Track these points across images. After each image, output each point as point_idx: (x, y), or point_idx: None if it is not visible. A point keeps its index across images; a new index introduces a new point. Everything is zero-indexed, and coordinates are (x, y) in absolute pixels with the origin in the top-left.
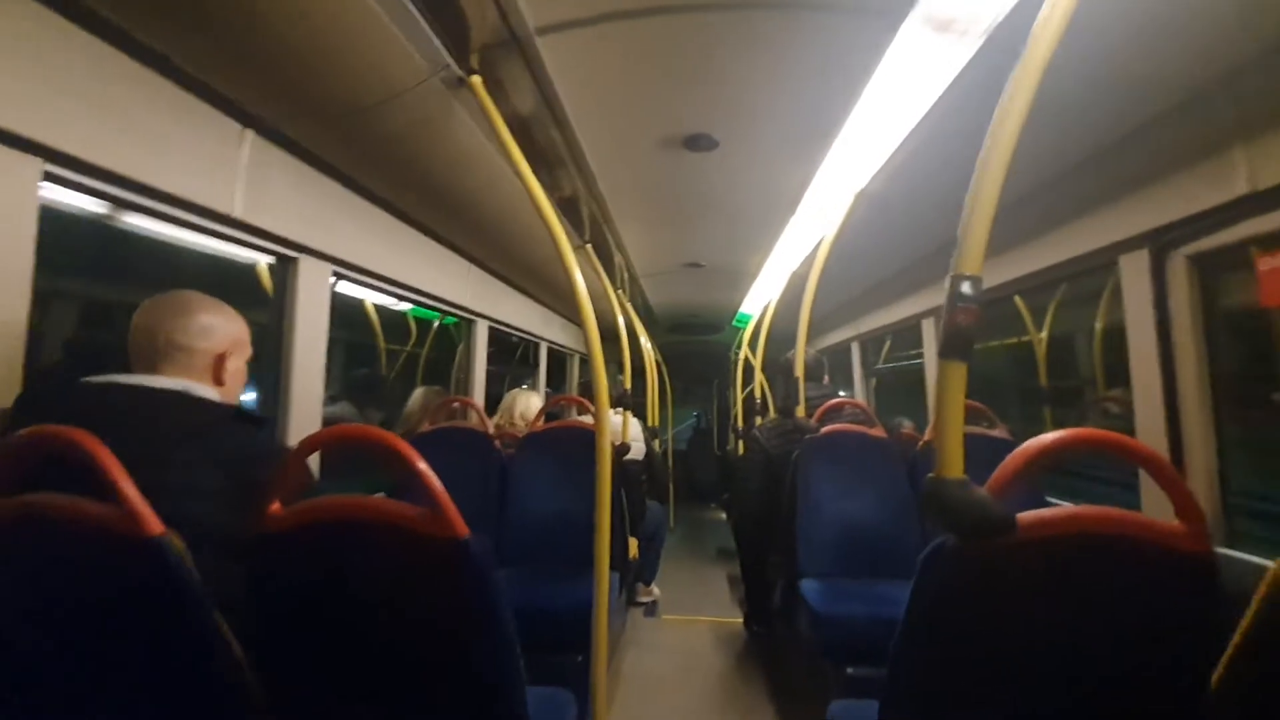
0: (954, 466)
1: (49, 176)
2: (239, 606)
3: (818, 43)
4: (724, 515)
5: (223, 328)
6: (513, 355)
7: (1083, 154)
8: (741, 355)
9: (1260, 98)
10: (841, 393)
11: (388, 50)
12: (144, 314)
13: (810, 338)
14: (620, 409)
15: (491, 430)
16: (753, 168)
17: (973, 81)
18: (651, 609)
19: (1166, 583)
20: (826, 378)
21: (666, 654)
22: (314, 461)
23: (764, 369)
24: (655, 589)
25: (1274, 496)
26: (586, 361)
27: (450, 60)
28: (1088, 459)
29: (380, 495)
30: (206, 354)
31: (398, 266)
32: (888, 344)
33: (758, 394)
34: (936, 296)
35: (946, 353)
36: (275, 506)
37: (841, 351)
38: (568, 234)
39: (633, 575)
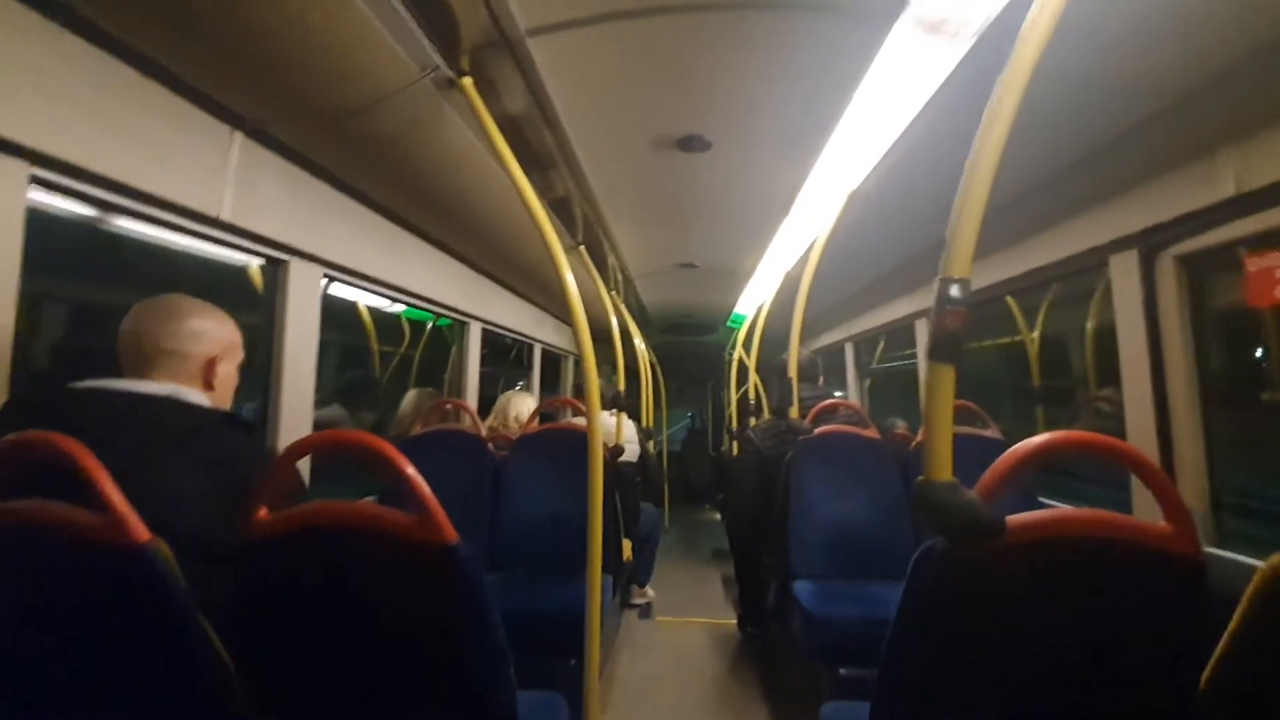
0: (943, 469)
1: (36, 181)
2: (227, 612)
3: (810, 44)
4: (719, 516)
5: (213, 332)
6: (506, 357)
7: (1072, 156)
8: (736, 356)
9: (1248, 100)
10: (838, 393)
11: (377, 52)
12: (134, 319)
13: (804, 338)
14: (614, 410)
15: (485, 433)
16: (746, 168)
17: (964, 83)
18: (646, 611)
19: (1155, 584)
20: (822, 379)
21: (660, 656)
22: (305, 466)
23: (758, 369)
24: (650, 591)
25: (1266, 495)
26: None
27: (440, 61)
28: (1080, 458)
29: (372, 499)
30: (197, 359)
31: (389, 268)
32: (881, 344)
33: (752, 395)
34: (929, 297)
35: (935, 355)
36: (263, 512)
37: (836, 352)
38: (561, 235)
39: (627, 577)
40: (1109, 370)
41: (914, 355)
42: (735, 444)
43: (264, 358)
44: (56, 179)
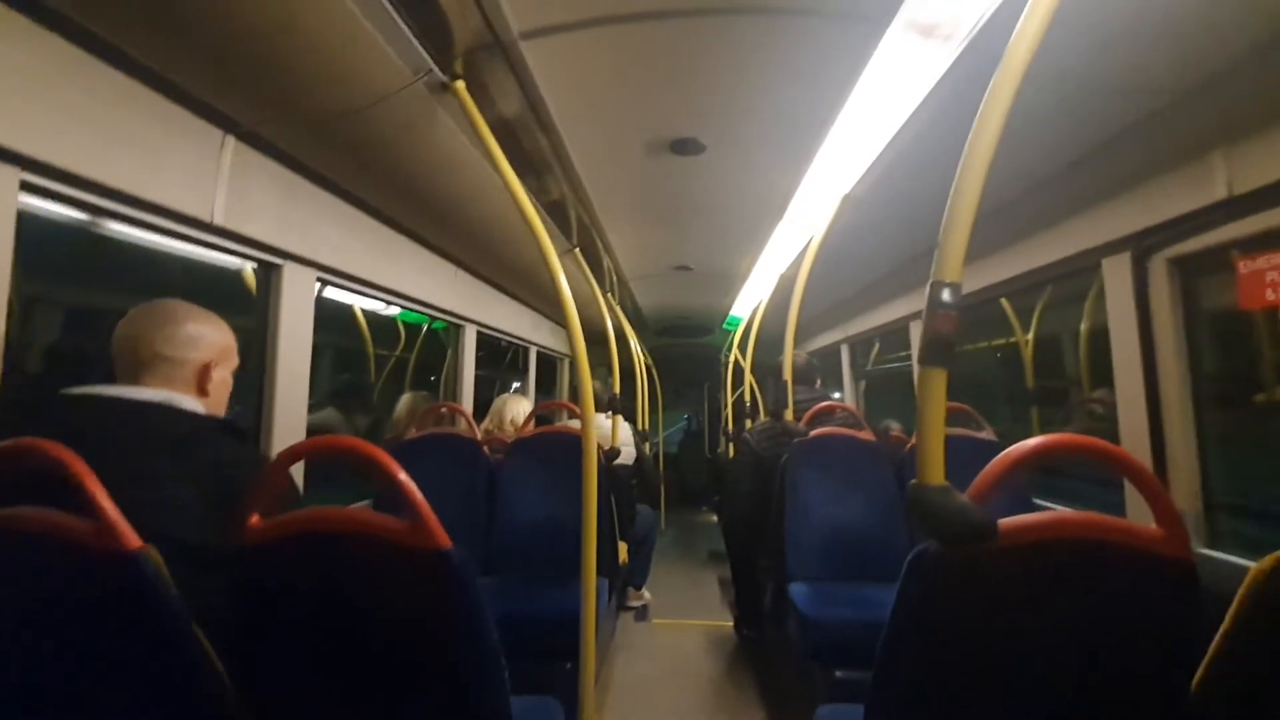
0: (935, 473)
1: (26, 186)
2: (221, 619)
3: (803, 47)
4: (715, 518)
5: (209, 337)
6: (502, 360)
7: (1064, 159)
8: (731, 358)
9: (1239, 103)
10: (836, 395)
11: (369, 55)
12: (128, 324)
13: (799, 340)
14: (610, 413)
15: (480, 436)
16: (740, 171)
17: (956, 86)
18: (642, 613)
19: (1147, 587)
20: (819, 382)
21: (657, 659)
22: (298, 471)
23: (754, 371)
24: (646, 593)
25: (1260, 495)
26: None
27: (433, 65)
28: (1072, 461)
29: (367, 504)
30: (191, 364)
31: (383, 272)
32: (877, 346)
33: (747, 397)
34: (924, 299)
35: (927, 359)
36: (255, 518)
37: (831, 354)
38: (556, 238)
39: (623, 580)
40: (1103, 372)
41: (909, 357)
42: (731, 446)
43: (258, 362)
44: (47, 184)
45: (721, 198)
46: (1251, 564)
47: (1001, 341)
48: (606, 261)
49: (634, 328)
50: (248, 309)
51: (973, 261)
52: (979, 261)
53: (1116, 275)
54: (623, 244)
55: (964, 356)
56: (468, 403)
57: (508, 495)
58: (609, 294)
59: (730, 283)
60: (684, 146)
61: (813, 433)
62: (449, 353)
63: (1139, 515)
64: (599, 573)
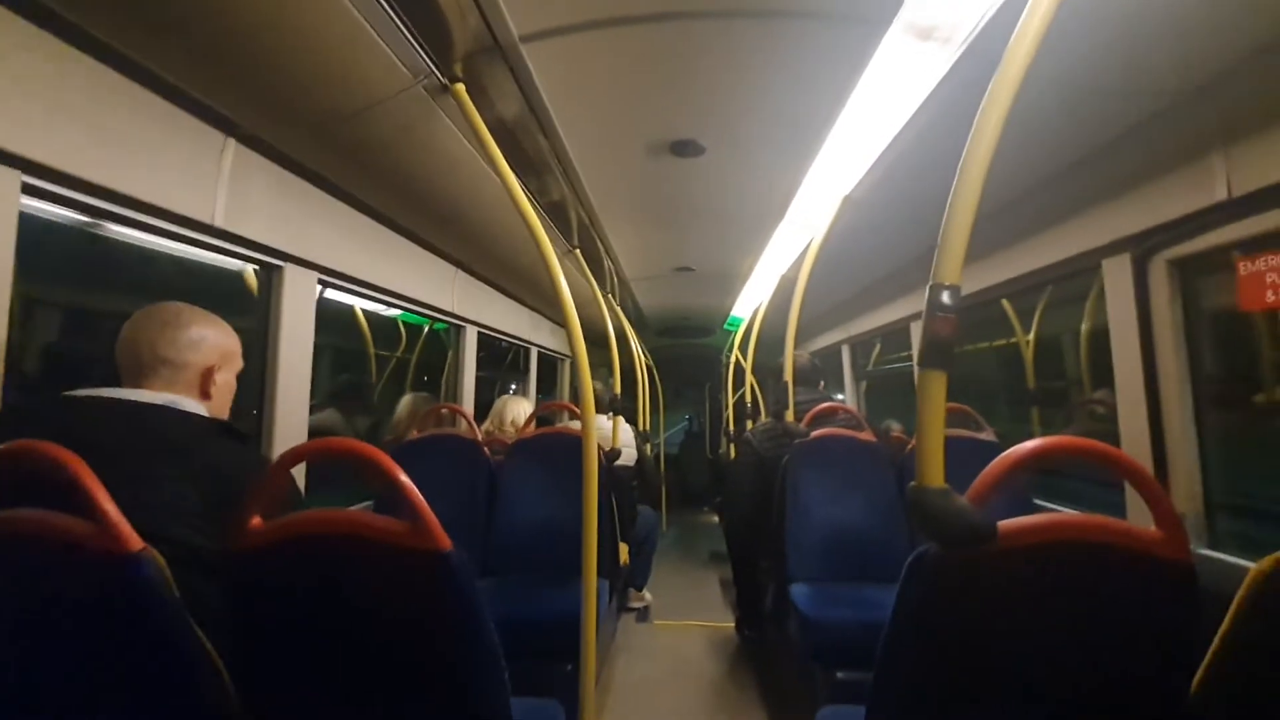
0: (935, 475)
1: (28, 188)
2: (220, 621)
3: (802, 50)
4: (716, 519)
5: (212, 340)
6: (503, 361)
7: (1064, 161)
8: (733, 358)
9: (1239, 104)
10: (839, 396)
11: (370, 57)
12: (133, 326)
13: (800, 341)
14: (611, 414)
15: (481, 437)
16: (740, 173)
17: (955, 89)
18: (643, 614)
19: (1146, 588)
20: (822, 383)
21: (658, 660)
22: (300, 472)
23: (756, 372)
24: (647, 594)
25: (1261, 495)
26: None
27: (433, 67)
28: (1071, 463)
29: (367, 505)
30: (195, 367)
31: (384, 273)
32: (878, 347)
33: (749, 397)
34: (924, 300)
35: (926, 362)
36: (256, 520)
37: (832, 354)
38: (556, 239)
39: (624, 581)
40: (1104, 372)
41: (910, 357)
42: (733, 447)
43: (259, 363)
44: (49, 186)
45: (722, 199)
46: (1251, 565)
47: (1002, 342)
48: (607, 263)
49: (635, 328)
50: (249, 310)
51: (973, 262)
52: (979, 262)
53: (1117, 276)
54: (623, 245)
55: (964, 357)
56: (468, 404)
57: (508, 496)
58: (609, 295)
59: (731, 284)
60: (684, 148)
61: (813, 434)
62: (449, 354)
63: (1139, 517)
64: (600, 574)
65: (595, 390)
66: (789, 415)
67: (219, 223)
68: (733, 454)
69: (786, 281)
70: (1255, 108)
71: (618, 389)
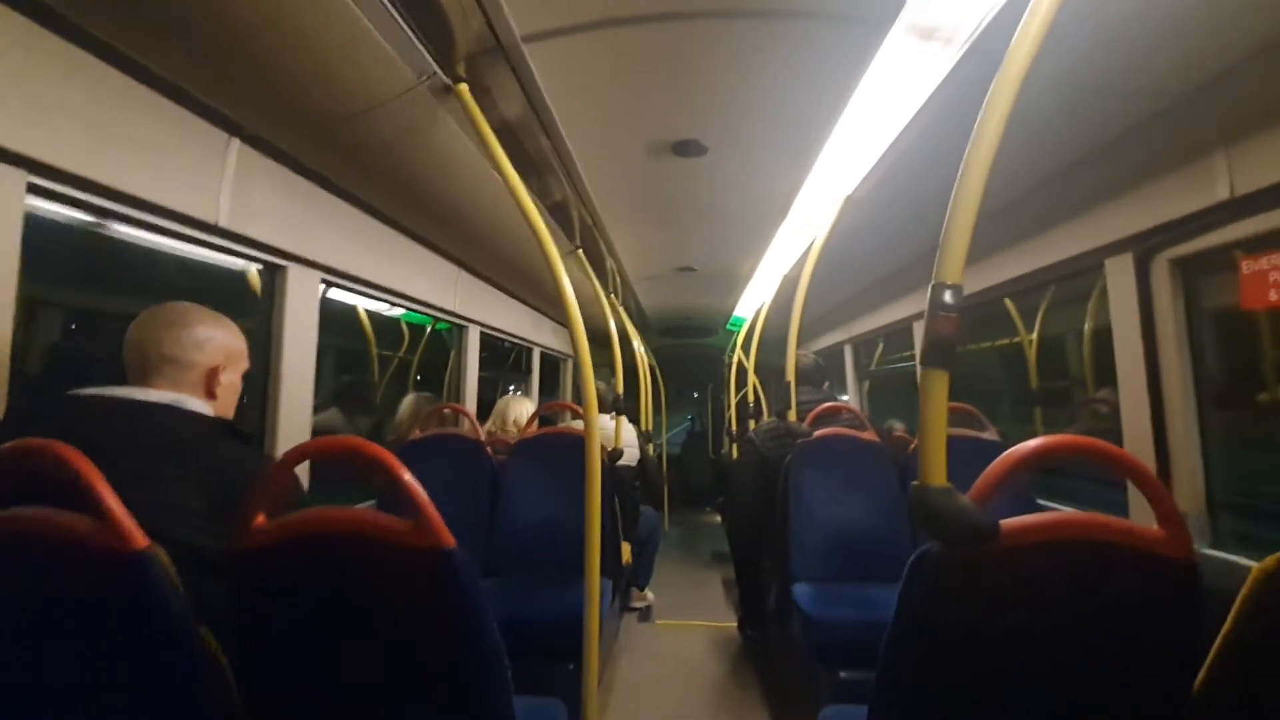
0: (937, 474)
1: (33, 188)
2: (224, 620)
3: (804, 50)
4: (719, 519)
5: (218, 340)
6: (506, 360)
7: (1066, 160)
8: (735, 358)
9: (1241, 104)
10: (843, 396)
11: (373, 58)
12: (139, 326)
13: (803, 341)
14: (614, 413)
15: (483, 437)
16: (742, 173)
17: (957, 89)
18: (646, 614)
19: (1149, 588)
20: (827, 384)
21: (660, 660)
22: (303, 471)
23: (758, 372)
24: (649, 594)
25: (1263, 494)
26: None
27: (436, 68)
28: (1074, 462)
29: (371, 504)
30: (200, 367)
31: (387, 273)
32: (880, 347)
33: (751, 397)
34: (926, 299)
35: (929, 361)
36: (260, 519)
37: (835, 354)
38: (559, 239)
39: (626, 580)
40: (1106, 371)
41: (912, 357)
42: (735, 446)
43: (262, 363)
44: (54, 186)
45: (724, 199)
46: (1254, 564)
47: (1005, 341)
48: (609, 263)
49: (637, 328)
50: (252, 310)
51: (976, 262)
52: (982, 262)
53: (1119, 276)
54: (625, 245)
55: (967, 356)
56: (471, 403)
57: (511, 496)
58: (612, 295)
59: (733, 284)
60: (686, 148)
61: (816, 433)
62: (452, 354)
63: (1142, 516)
64: (602, 573)
65: (598, 390)
66: (791, 415)
67: (223, 223)
68: (735, 454)
69: (789, 281)
70: (1257, 107)
71: (620, 389)
